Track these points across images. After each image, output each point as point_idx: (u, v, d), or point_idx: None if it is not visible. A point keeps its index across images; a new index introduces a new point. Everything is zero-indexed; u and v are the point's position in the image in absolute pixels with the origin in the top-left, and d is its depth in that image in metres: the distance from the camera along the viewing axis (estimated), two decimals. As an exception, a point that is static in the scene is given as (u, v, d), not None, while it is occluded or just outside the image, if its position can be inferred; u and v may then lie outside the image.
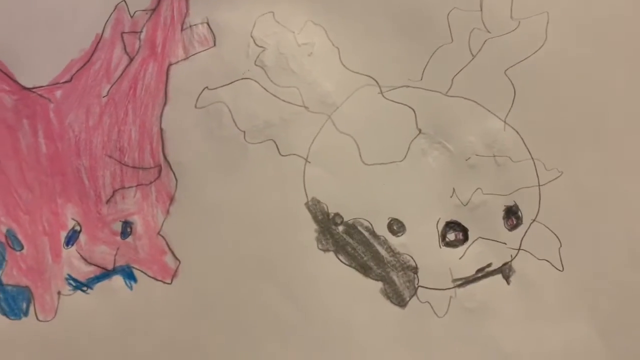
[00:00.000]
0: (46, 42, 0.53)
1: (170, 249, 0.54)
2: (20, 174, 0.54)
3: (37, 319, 0.55)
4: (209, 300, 0.54)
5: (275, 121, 0.51)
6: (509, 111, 0.50)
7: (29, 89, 0.52)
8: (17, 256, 0.54)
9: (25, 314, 0.55)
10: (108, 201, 0.54)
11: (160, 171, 0.53)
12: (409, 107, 0.51)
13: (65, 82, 0.53)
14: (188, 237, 0.54)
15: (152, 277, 0.54)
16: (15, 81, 0.52)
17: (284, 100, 0.51)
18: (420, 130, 0.51)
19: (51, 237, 0.54)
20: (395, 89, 0.51)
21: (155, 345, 0.54)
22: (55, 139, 0.52)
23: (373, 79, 0.51)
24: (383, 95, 0.51)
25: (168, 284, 0.54)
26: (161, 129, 0.53)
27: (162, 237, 0.53)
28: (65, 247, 0.54)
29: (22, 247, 0.54)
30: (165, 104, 0.53)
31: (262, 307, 0.54)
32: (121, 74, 0.53)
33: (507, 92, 0.50)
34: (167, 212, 0.53)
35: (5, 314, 0.54)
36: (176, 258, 0.54)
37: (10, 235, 0.54)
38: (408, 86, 0.51)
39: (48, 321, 0.55)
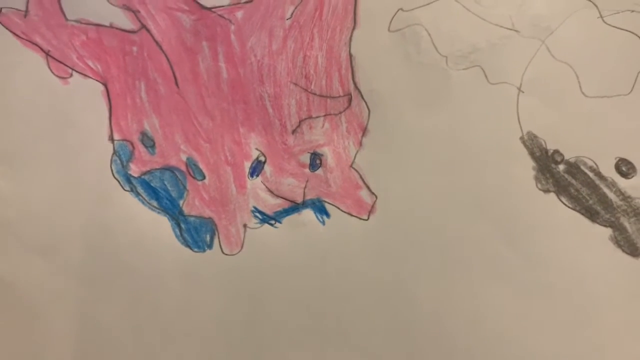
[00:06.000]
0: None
1: (365, 183, 0.47)
2: (200, 100, 0.49)
3: (222, 252, 0.49)
4: (412, 238, 0.47)
5: (482, 45, 0.45)
6: None
7: (208, 9, 0.47)
8: (199, 186, 0.49)
9: (210, 246, 0.49)
10: (294, 131, 0.48)
11: (350, 100, 0.47)
12: (635, 34, 0.44)
13: (247, 2, 0.48)
14: (384, 171, 0.47)
15: (347, 213, 0.48)
16: (194, 0, 0.46)
17: (491, 23, 0.44)
18: (648, 61, 0.43)
19: (234, 167, 0.49)
20: (617, 14, 0.44)
21: (351, 284, 0.48)
22: (237, 63, 0.46)
23: (591, 1, 0.45)
24: (603, 20, 0.44)
25: (364, 220, 0.48)
26: (350, 55, 0.47)
27: (356, 170, 0.47)
28: (250, 178, 0.49)
29: (203, 177, 0.49)
30: (354, 27, 0.47)
31: (476, 248, 0.46)
32: (306, -5, 0.46)
33: None
34: (360, 144, 0.47)
35: (188, 246, 0.49)
36: (372, 193, 0.47)
37: (190, 163, 0.49)
38: (633, 10, 0.44)
39: (234, 255, 0.49)
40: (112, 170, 0.48)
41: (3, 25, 0.47)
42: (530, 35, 0.45)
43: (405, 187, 0.46)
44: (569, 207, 0.44)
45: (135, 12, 0.46)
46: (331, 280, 0.47)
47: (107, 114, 0.48)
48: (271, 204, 0.48)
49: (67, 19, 0.47)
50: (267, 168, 0.48)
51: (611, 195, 0.44)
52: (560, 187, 0.44)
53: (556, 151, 0.44)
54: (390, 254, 0.46)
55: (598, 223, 0.44)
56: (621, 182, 0.44)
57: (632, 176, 0.44)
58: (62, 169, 0.48)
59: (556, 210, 0.45)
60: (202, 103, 0.47)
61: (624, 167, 0.44)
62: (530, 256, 0.45)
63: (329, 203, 0.47)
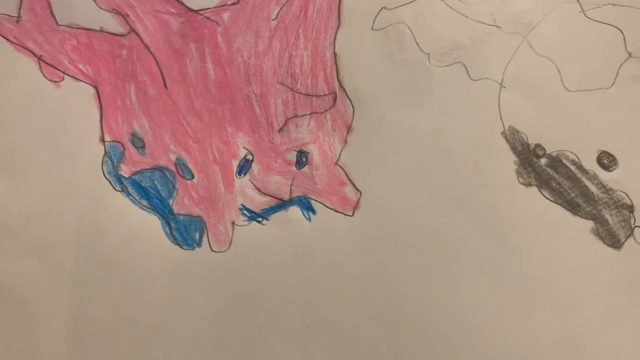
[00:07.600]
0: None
1: (350, 179, 0.48)
2: (189, 100, 0.50)
3: (211, 249, 0.50)
4: (396, 233, 0.48)
5: (464, 42, 0.45)
6: None
7: (195, 11, 0.48)
8: (188, 185, 0.51)
9: (199, 244, 0.50)
10: (281, 130, 0.49)
11: (335, 98, 0.48)
12: (616, 27, 0.44)
13: (233, 3, 0.49)
14: (369, 167, 0.48)
15: (332, 209, 0.49)
16: (181, 3, 0.48)
17: (473, 19, 0.44)
18: (630, 54, 0.45)
19: (223, 166, 0.50)
20: (599, 7, 0.44)
21: (337, 279, 0.49)
22: (224, 64, 0.47)
23: (572, -4, 0.44)
24: (585, 14, 0.44)
25: (349, 216, 0.49)
26: (335, 54, 0.48)
27: (341, 167, 0.48)
28: (238, 177, 0.50)
29: (192, 176, 0.50)
30: (339, 26, 0.48)
31: (458, 242, 0.47)
32: (291, -4, 0.47)
33: None
34: (345, 141, 0.48)
35: (178, 244, 0.50)
36: (357, 189, 0.48)
37: (180, 163, 0.50)
38: (614, 4, 0.44)
39: (222, 252, 0.50)
40: (103, 171, 0.49)
41: (-4, 30, 0.48)
42: (512, 30, 0.45)
43: (389, 183, 0.46)
44: (550, 200, 0.45)
45: (124, 16, 0.48)
46: (317, 275, 0.48)
47: (98, 116, 0.49)
48: (259, 202, 0.49)
49: (58, 24, 0.48)
50: (255, 166, 0.49)
51: (593, 188, 0.44)
52: (541, 181, 0.45)
53: (538, 145, 0.45)
54: (375, 249, 0.47)
55: (580, 216, 0.45)
56: (603, 174, 0.44)
57: (614, 169, 0.44)
58: (55, 171, 0.50)
59: (538, 204, 0.45)
60: (191, 104, 0.48)
61: (606, 160, 0.44)
62: (513, 250, 0.45)
63: (315, 200, 0.48)
